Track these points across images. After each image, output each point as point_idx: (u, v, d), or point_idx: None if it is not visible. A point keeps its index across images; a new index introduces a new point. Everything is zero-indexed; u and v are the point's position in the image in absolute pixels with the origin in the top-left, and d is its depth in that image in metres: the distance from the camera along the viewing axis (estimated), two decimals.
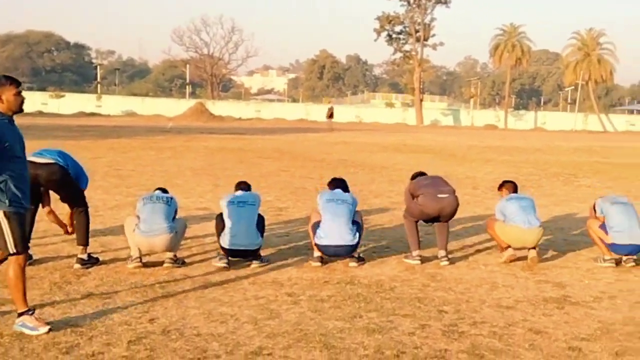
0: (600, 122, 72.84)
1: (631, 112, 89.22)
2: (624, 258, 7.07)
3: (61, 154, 6.52)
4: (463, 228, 8.98)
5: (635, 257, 7.09)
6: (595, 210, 7.30)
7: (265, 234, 7.03)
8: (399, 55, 73.45)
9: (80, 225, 6.55)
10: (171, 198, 6.75)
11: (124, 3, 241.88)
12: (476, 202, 11.65)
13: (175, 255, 6.56)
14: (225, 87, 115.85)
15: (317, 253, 6.79)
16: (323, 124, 45.72)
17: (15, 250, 4.57)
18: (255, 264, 6.64)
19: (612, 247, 6.99)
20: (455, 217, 7.29)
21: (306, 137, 32.72)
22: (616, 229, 6.94)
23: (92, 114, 56.51)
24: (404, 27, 71.50)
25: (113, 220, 8.88)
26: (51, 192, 6.68)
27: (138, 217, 6.51)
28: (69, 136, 25.07)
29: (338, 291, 5.83)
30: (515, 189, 7.61)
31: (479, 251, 7.72)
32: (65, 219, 6.89)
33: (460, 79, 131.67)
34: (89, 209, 6.72)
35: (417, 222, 7.18)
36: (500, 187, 7.78)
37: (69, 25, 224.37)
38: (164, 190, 7.06)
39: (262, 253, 6.90)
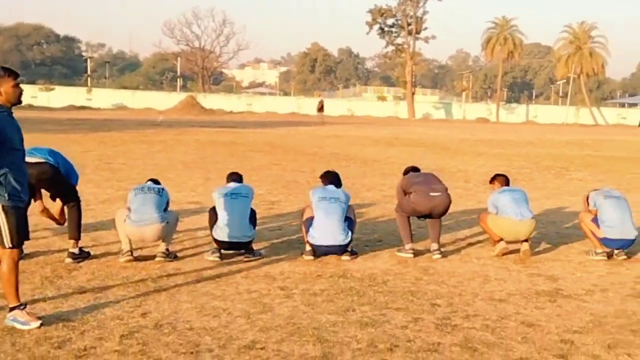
0: (592, 116, 73.04)
1: (622, 105, 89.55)
2: (616, 251, 7.10)
3: (52, 153, 6.49)
4: (455, 221, 9.00)
5: (626, 250, 7.12)
6: (588, 203, 7.32)
7: (257, 227, 7.02)
8: (391, 48, 73.34)
9: (73, 219, 6.51)
10: (162, 189, 6.72)
11: None
12: (468, 195, 11.66)
13: (167, 249, 6.53)
14: (217, 81, 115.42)
15: (309, 247, 6.78)
16: (314, 118, 45.63)
17: (11, 245, 4.54)
18: (247, 258, 6.62)
19: (604, 241, 7.02)
20: (448, 211, 7.29)
21: (298, 130, 32.66)
22: (608, 223, 6.96)
23: (82, 107, 56.17)
24: (396, 20, 71.37)
25: (104, 214, 8.84)
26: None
27: (129, 208, 6.48)
28: (59, 130, 24.92)
29: (331, 285, 5.83)
30: (507, 182, 7.62)
31: (471, 244, 7.74)
32: (55, 210, 6.83)
33: (452, 72, 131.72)
34: (81, 203, 6.69)
35: (409, 216, 7.18)
36: (492, 180, 7.79)
37: (59, 17, 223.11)
38: (156, 182, 7.02)
39: (255, 247, 6.89)
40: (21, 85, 4.74)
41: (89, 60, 77.43)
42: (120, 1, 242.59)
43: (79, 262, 6.33)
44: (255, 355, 4.17)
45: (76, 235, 6.46)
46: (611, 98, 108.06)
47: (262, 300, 5.33)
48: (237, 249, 6.65)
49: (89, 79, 72.23)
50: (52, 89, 60.71)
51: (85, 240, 6.94)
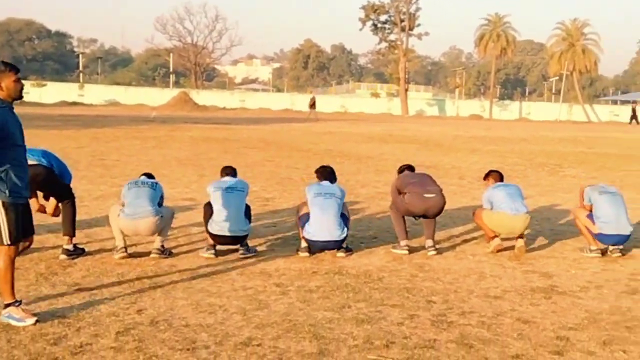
0: (585, 113, 73.24)
1: (615, 102, 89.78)
2: (610, 248, 7.12)
3: (45, 154, 6.48)
4: (450, 218, 9.00)
5: (621, 247, 7.15)
6: (583, 198, 7.33)
7: (252, 224, 7.00)
8: (384, 45, 73.29)
9: (67, 216, 6.49)
10: (156, 183, 6.71)
11: None
12: (462, 192, 11.68)
13: (162, 246, 6.51)
14: (209, 77, 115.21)
15: (304, 243, 6.77)
16: (307, 114, 45.53)
17: (9, 242, 4.52)
18: (242, 255, 6.61)
19: (599, 237, 7.03)
20: (442, 211, 7.28)
21: (291, 127, 32.64)
22: (603, 219, 6.98)
23: (75, 103, 55.93)
24: (389, 17, 71.29)
25: (98, 210, 8.81)
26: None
27: (123, 203, 6.47)
28: (51, 125, 24.80)
29: (326, 282, 5.83)
30: (501, 178, 7.62)
31: (466, 241, 7.75)
32: (49, 207, 6.79)
33: (445, 69, 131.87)
34: (75, 200, 6.67)
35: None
36: (486, 176, 7.79)
37: (50, 13, 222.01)
38: (150, 176, 7.00)
39: (250, 243, 6.88)
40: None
41: (80, 56, 77.04)
42: None
43: (73, 258, 6.32)
44: (252, 352, 4.17)
45: (70, 231, 6.44)
46: (604, 95, 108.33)
47: (258, 297, 5.32)
48: (232, 243, 6.63)
49: (81, 74, 71.87)
50: (44, 85, 60.39)
51: (80, 236, 6.90)
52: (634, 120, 54.95)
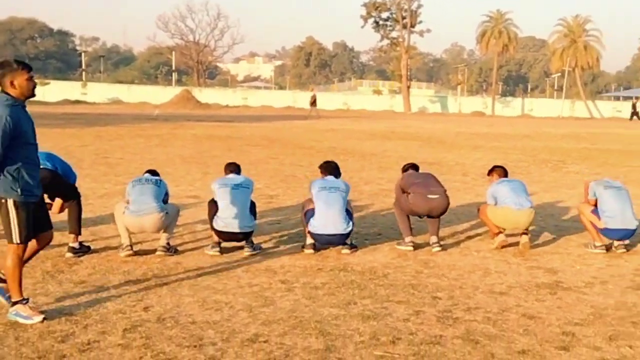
0: (587, 109, 73.12)
1: (617, 98, 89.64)
2: (615, 244, 7.12)
3: (49, 157, 6.52)
4: (454, 215, 9.00)
5: (627, 242, 7.15)
6: (588, 193, 7.33)
7: (256, 221, 7.01)
8: (385, 42, 73.35)
9: (73, 214, 6.52)
10: (160, 180, 6.73)
11: None
12: (466, 189, 11.69)
13: (168, 243, 6.53)
14: (212, 75, 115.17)
15: (309, 240, 6.78)
16: (308, 112, 45.48)
17: (19, 241, 4.53)
18: (247, 252, 6.63)
19: (605, 232, 7.03)
20: (446, 212, 7.29)
21: (294, 124, 32.64)
22: (608, 213, 6.97)
23: (78, 102, 55.96)
24: (391, 14, 71.27)
25: (103, 208, 8.83)
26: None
27: (128, 201, 6.49)
28: (54, 124, 24.81)
29: (332, 278, 5.84)
30: (505, 174, 7.62)
31: (470, 237, 7.75)
32: (55, 207, 6.82)
33: (447, 65, 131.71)
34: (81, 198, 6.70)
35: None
36: (490, 172, 7.79)
37: (52, 11, 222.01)
38: (154, 173, 7.01)
39: (255, 241, 6.89)
40: None
41: (83, 54, 77.08)
42: None
43: (79, 256, 6.34)
44: (259, 349, 4.18)
45: (76, 229, 6.47)
46: (606, 91, 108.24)
47: (264, 294, 5.34)
48: (238, 240, 6.64)
49: (83, 73, 71.91)
50: (47, 84, 60.37)
51: (85, 234, 6.93)
52: (634, 117, 54.84)
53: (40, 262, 6.10)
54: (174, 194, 9.13)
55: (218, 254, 6.54)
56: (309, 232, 6.73)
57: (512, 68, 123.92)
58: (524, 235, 7.09)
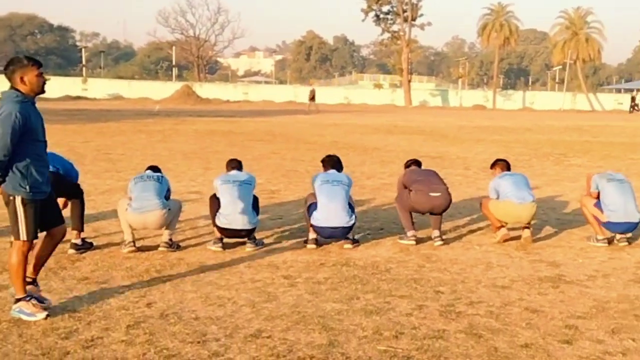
0: (589, 101, 73.01)
1: (619, 91, 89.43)
2: (618, 237, 7.11)
3: (50, 158, 6.47)
4: (456, 209, 8.98)
5: (629, 235, 7.15)
6: (590, 186, 7.32)
7: (259, 216, 7.01)
8: (386, 35, 73.14)
9: (76, 210, 6.52)
10: (162, 176, 6.73)
11: None
12: (468, 182, 11.68)
13: (170, 239, 6.53)
14: (212, 69, 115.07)
15: (312, 235, 6.78)
16: (307, 107, 45.40)
17: (25, 239, 4.53)
18: (250, 247, 6.63)
19: (607, 225, 7.02)
20: (448, 209, 7.28)
21: (296, 119, 32.62)
22: (611, 207, 6.97)
23: (78, 98, 55.90)
24: (392, 7, 71.09)
25: (105, 204, 8.84)
26: None
27: (130, 197, 6.49)
28: (55, 120, 24.79)
29: (334, 273, 5.85)
30: (508, 167, 7.61)
31: (472, 231, 7.75)
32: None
33: (448, 59, 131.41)
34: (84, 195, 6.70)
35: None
36: (493, 165, 7.78)
37: (52, 7, 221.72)
38: (155, 169, 7.01)
39: (257, 236, 6.89)
40: None
41: (83, 50, 76.97)
42: None
43: (82, 252, 6.34)
44: (262, 344, 4.19)
45: (79, 226, 6.47)
46: (607, 84, 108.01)
47: (267, 289, 5.34)
48: (240, 236, 6.64)
49: (84, 68, 71.85)
50: (48, 79, 59.80)
51: (87, 231, 6.92)
52: (634, 109, 54.73)
53: None
54: (176, 190, 9.13)
55: (220, 249, 6.55)
56: (311, 225, 6.73)
57: (513, 61, 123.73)
58: (526, 229, 7.09)
